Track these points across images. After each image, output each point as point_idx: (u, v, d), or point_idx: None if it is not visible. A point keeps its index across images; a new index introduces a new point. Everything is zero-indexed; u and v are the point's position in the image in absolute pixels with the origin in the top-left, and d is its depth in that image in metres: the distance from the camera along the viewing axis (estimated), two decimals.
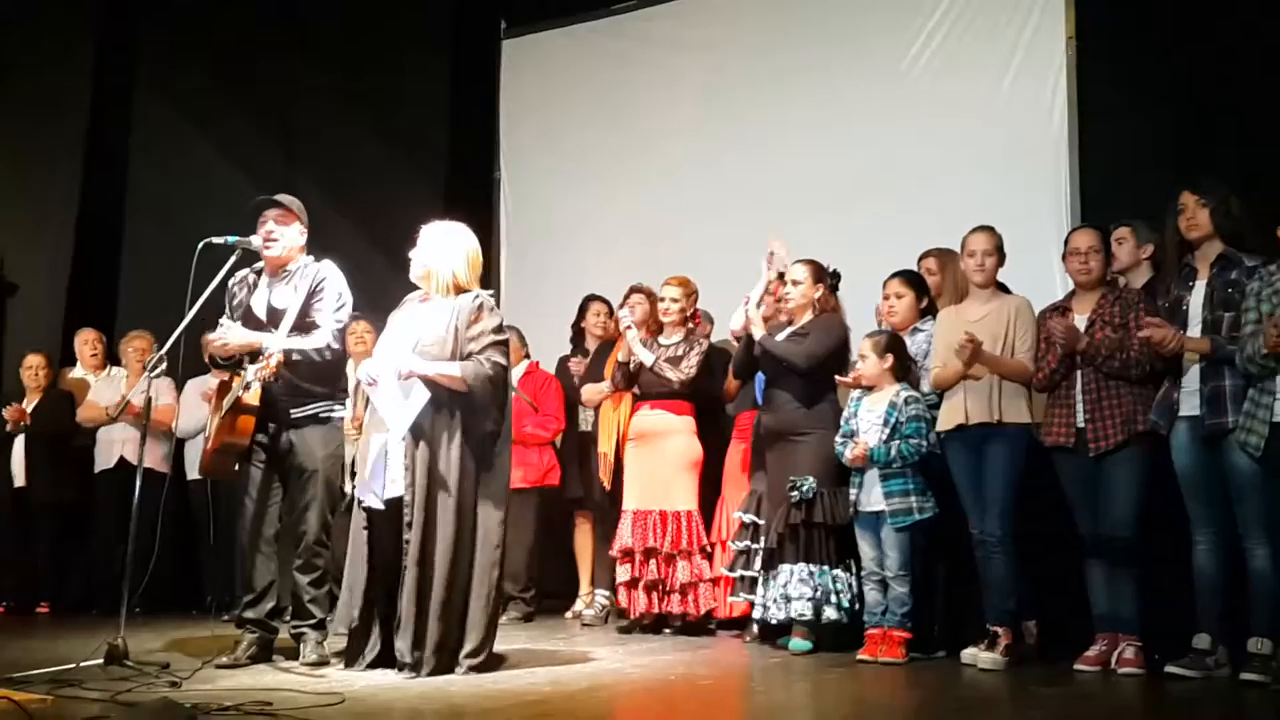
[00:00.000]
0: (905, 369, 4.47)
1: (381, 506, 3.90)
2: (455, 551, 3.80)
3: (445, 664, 3.79)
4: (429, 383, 3.83)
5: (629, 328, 5.24)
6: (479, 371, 3.84)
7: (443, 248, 4.02)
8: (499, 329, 3.94)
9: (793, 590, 4.46)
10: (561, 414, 5.95)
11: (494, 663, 3.93)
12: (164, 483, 4.54)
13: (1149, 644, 3.98)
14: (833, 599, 4.44)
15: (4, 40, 7.67)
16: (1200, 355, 3.84)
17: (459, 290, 4.00)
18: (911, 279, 4.71)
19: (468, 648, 3.82)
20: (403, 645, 3.77)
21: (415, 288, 4.12)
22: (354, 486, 4.11)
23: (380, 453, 3.90)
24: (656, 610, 5.10)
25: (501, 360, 3.90)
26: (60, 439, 6.63)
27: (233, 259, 4.27)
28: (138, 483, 4.04)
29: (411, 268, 4.07)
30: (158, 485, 4.42)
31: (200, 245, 4.17)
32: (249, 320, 4.26)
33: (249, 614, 4.21)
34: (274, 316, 4.20)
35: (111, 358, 6.87)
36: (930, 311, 4.66)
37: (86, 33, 7.84)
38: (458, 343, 3.89)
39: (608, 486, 5.46)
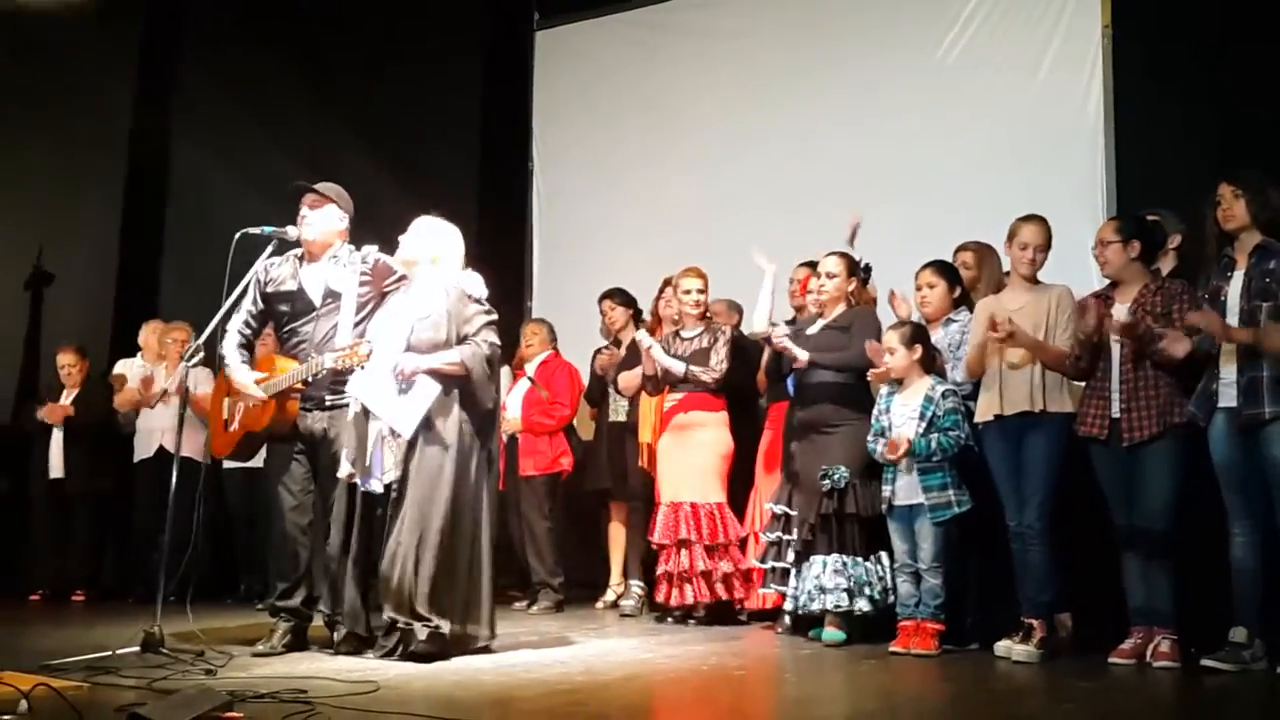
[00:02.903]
0: (931, 359, 4.45)
1: (381, 490, 3.97)
2: (454, 531, 3.90)
3: (452, 639, 3.89)
4: (433, 374, 3.92)
5: (649, 348, 5.22)
6: (476, 353, 3.98)
7: (427, 237, 4.14)
8: (488, 310, 4.10)
9: (826, 581, 4.45)
10: (572, 401, 5.97)
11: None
12: (201, 471, 4.57)
13: (1185, 637, 3.94)
14: (866, 590, 4.43)
15: (48, 34, 7.74)
16: (1240, 345, 3.79)
17: (441, 276, 4.10)
18: (943, 269, 4.68)
19: (484, 624, 3.99)
20: (407, 617, 3.85)
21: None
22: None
23: (378, 440, 3.95)
24: (689, 601, 5.09)
25: (495, 339, 4.05)
26: (99, 429, 6.71)
27: (270, 248, 4.31)
28: (174, 471, 4.08)
29: (399, 252, 4.15)
30: (195, 473, 4.45)
31: (238, 235, 4.22)
32: (300, 303, 4.29)
33: (284, 602, 4.25)
34: (331, 296, 4.26)
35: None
36: (963, 302, 4.63)
37: (130, 25, 7.91)
38: (451, 326, 4.00)
39: (652, 473, 5.45)
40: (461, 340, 4.00)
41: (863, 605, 4.41)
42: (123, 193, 7.73)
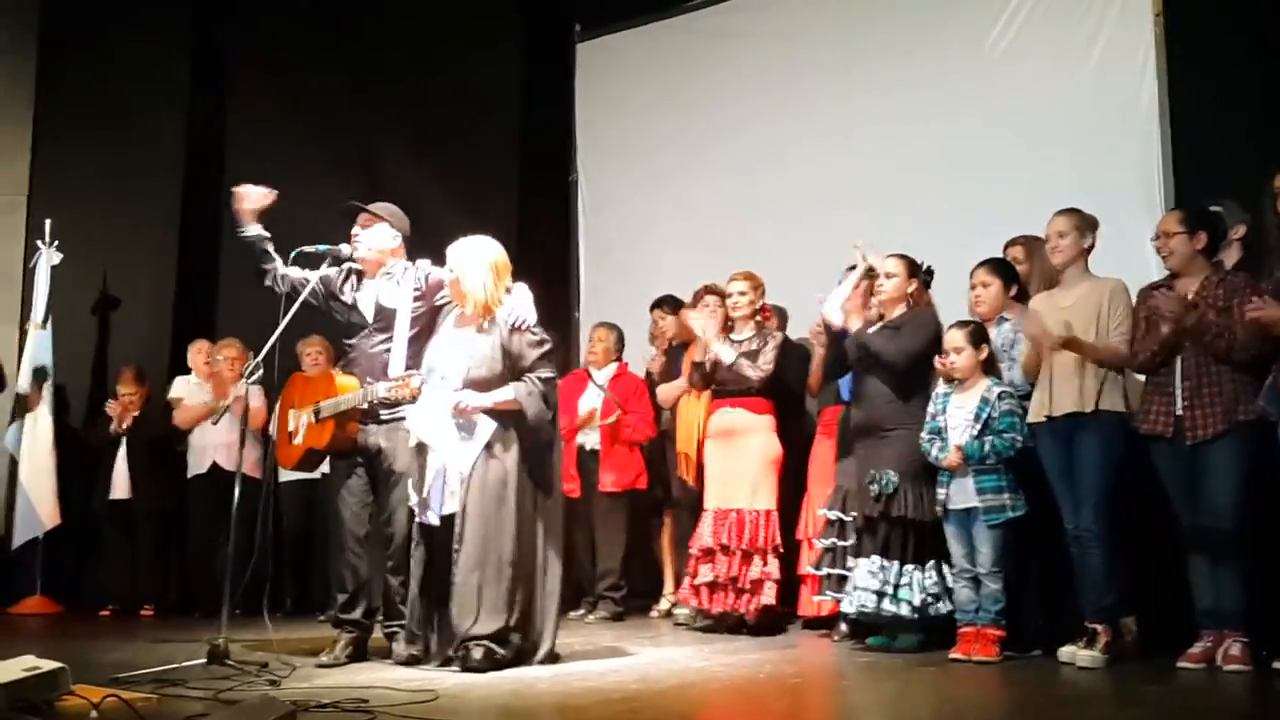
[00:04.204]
0: (992, 360, 4.40)
1: (437, 523, 4.00)
2: (515, 562, 3.93)
3: (519, 652, 3.95)
4: (488, 412, 3.96)
5: (704, 330, 5.21)
6: (531, 390, 3.99)
7: (471, 266, 4.10)
8: (541, 341, 4.08)
9: (859, 582, 4.42)
10: (654, 418, 5.95)
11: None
12: (259, 487, 4.67)
13: (1256, 639, 3.82)
14: (900, 594, 4.36)
15: (101, 57, 7.94)
16: None
17: (492, 306, 4.08)
18: (998, 267, 4.61)
19: (542, 652, 4.02)
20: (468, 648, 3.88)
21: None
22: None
23: (439, 473, 4.00)
24: (737, 610, 5.07)
25: (550, 374, 4.07)
26: (161, 448, 6.85)
27: (323, 266, 4.38)
28: (237, 487, 4.15)
29: (450, 285, 4.14)
30: (254, 489, 4.53)
31: (292, 254, 4.30)
32: (355, 316, 4.36)
33: (345, 614, 4.31)
34: (382, 314, 4.32)
35: None
36: (1020, 299, 4.56)
37: (180, 48, 8.09)
38: (506, 361, 4.02)
39: (692, 483, 5.46)
40: (518, 375, 4.02)
41: (892, 609, 4.35)
42: (179, 213, 7.89)
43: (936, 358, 4.47)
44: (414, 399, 4.04)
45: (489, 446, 3.96)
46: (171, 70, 8.02)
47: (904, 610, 4.36)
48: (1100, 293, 4.18)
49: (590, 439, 5.92)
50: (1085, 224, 4.25)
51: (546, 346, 4.10)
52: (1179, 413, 3.96)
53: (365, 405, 4.17)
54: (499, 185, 7.52)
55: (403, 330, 4.26)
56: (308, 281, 4.36)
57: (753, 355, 5.16)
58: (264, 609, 4.38)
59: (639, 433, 5.90)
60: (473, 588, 3.90)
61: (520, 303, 4.13)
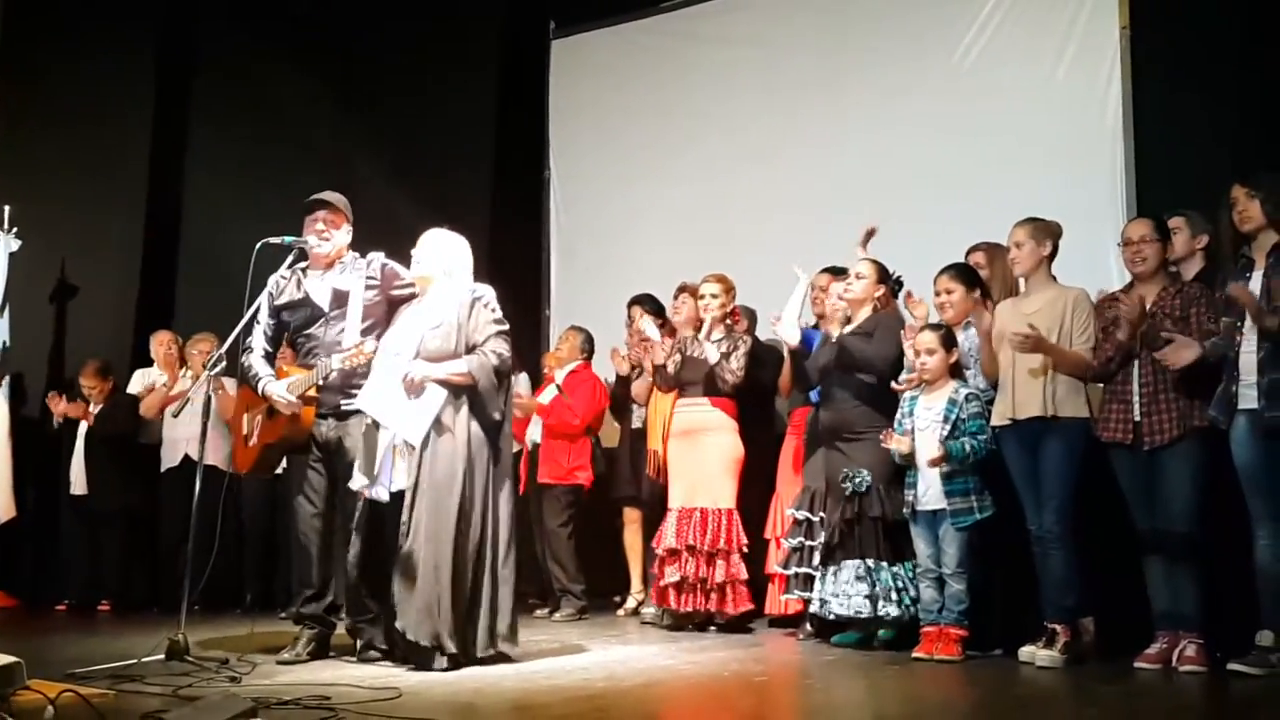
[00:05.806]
0: (958, 363, 4.45)
1: (387, 499, 3.97)
2: (466, 539, 3.89)
3: (464, 650, 3.88)
4: (441, 383, 3.94)
5: (648, 337, 5.23)
6: (484, 363, 3.97)
7: (437, 251, 4.15)
8: (499, 321, 4.09)
9: (850, 588, 4.45)
10: (586, 414, 5.92)
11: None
12: (225, 479, 4.62)
13: (1211, 641, 3.90)
14: (893, 595, 4.41)
15: (67, 48, 7.83)
16: (1259, 344, 3.76)
17: (453, 287, 4.11)
18: (961, 273, 4.65)
19: (502, 632, 3.97)
20: (414, 633, 3.82)
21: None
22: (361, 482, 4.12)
23: (389, 449, 3.97)
24: (703, 609, 5.08)
25: (503, 350, 4.04)
26: (125, 443, 6.75)
27: (290, 257, 4.34)
28: (198, 480, 4.11)
29: (413, 269, 4.19)
30: (219, 483, 4.49)
31: (258, 245, 4.26)
32: (310, 310, 4.33)
33: (307, 609, 4.27)
34: (339, 300, 4.30)
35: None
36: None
37: (148, 40, 8.01)
38: (460, 336, 4.00)
39: (660, 479, 5.47)
40: (471, 350, 4.01)
41: (891, 610, 4.39)
42: (144, 206, 7.80)
43: (893, 382, 4.51)
44: (368, 363, 4.02)
45: (439, 424, 3.91)
46: (137, 63, 7.94)
47: (895, 611, 4.39)
48: (1064, 300, 4.24)
49: (535, 434, 5.96)
50: (1042, 232, 4.31)
51: (503, 327, 4.09)
52: (1136, 419, 4.02)
53: (321, 381, 4.12)
54: (473, 183, 7.48)
55: (355, 310, 4.25)
56: (270, 331, 4.38)
57: (723, 358, 5.17)
58: (246, 604, 4.29)
59: (563, 423, 5.87)
60: (426, 577, 3.82)
61: (484, 288, 4.17)
